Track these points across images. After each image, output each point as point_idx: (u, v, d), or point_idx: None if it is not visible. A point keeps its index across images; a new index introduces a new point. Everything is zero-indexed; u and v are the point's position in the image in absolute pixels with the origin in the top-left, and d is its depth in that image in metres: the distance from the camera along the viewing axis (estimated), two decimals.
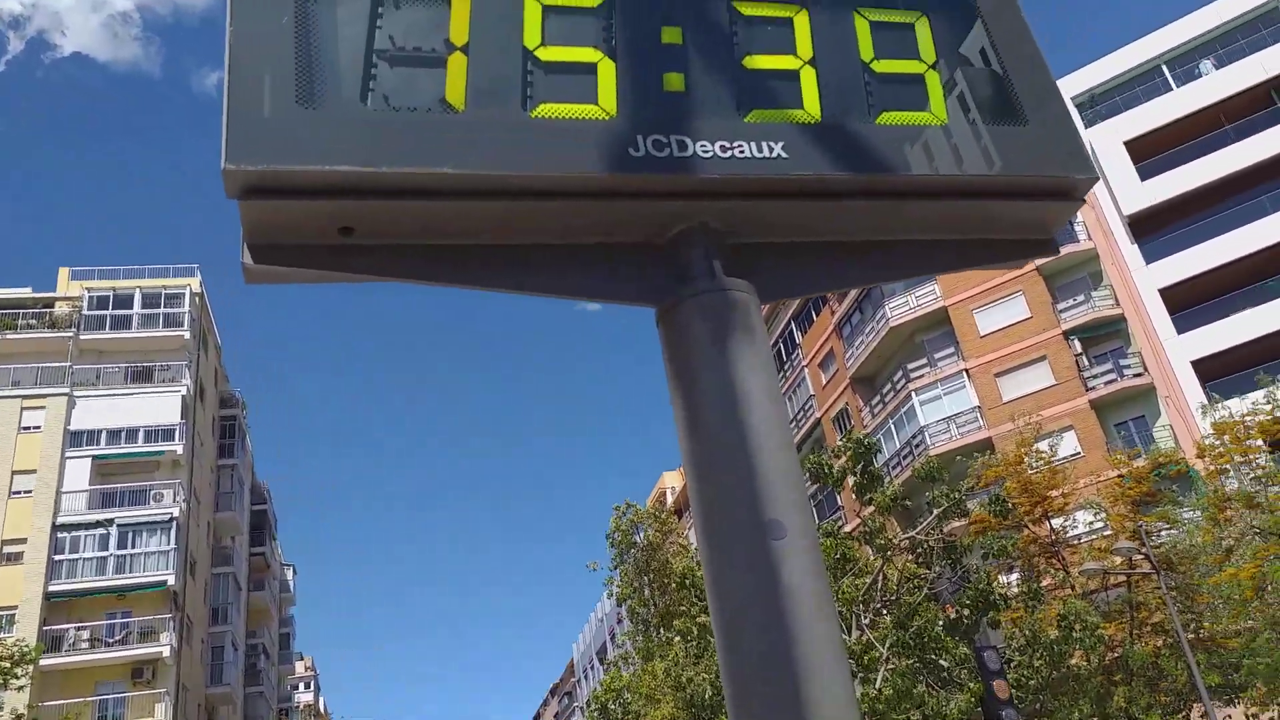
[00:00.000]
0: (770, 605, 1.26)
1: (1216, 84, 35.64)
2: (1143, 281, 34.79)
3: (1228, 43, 36.34)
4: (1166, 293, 34.16)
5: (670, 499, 61.04)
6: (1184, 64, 37.06)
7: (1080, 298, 36.44)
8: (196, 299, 43.99)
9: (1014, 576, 26.13)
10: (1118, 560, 23.59)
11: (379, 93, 1.45)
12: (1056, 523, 27.29)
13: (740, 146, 1.51)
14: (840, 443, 22.45)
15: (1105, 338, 35.62)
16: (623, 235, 1.55)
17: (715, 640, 1.33)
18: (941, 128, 1.63)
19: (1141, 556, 22.70)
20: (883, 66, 1.67)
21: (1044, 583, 25.25)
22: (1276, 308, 32.32)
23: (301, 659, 79.81)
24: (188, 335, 42.47)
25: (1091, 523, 27.81)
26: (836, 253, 1.66)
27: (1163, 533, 25.62)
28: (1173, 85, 36.84)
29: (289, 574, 65.01)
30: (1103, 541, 25.87)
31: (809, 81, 1.61)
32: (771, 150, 1.52)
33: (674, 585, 27.16)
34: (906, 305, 39.13)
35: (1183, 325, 33.59)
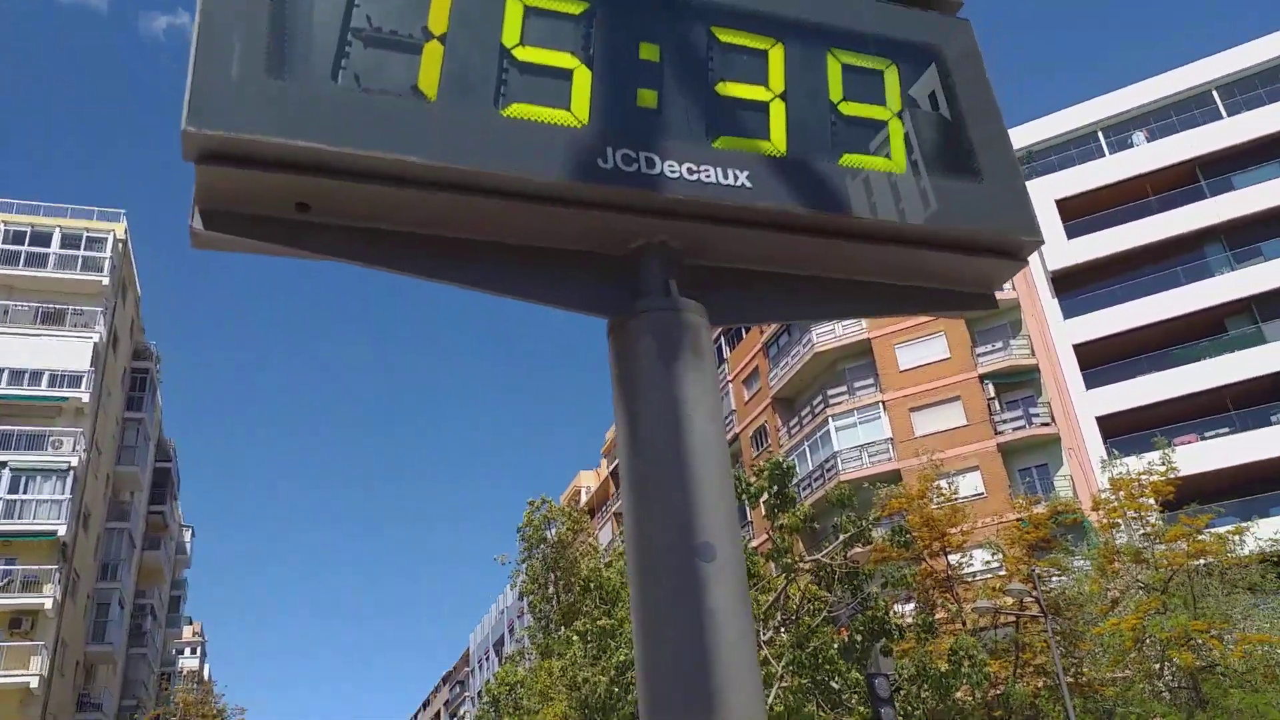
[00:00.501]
0: (693, 625, 1.28)
1: (1147, 155, 37.16)
2: (1059, 335, 36.01)
3: (1161, 118, 37.92)
4: (1080, 349, 35.43)
5: (585, 498, 60.98)
6: (1119, 133, 38.54)
7: (999, 344, 37.56)
8: (120, 245, 42.42)
9: (910, 607, 26.76)
10: (1009, 600, 24.31)
11: (350, 72, 1.43)
12: (954, 558, 28.04)
13: (706, 170, 1.53)
14: (759, 462, 22.72)
15: (1018, 385, 36.78)
16: (582, 244, 1.56)
17: (635, 653, 1.34)
18: (899, 175, 1.67)
19: (1031, 599, 23.45)
20: (850, 109, 1.70)
21: (937, 615, 25.92)
22: (1179, 375, 33.78)
23: (191, 624, 77.37)
24: (106, 281, 40.90)
25: (988, 561, 28.64)
26: (788, 285, 1.69)
27: (1054, 578, 26.51)
28: (1106, 151, 38.29)
29: (187, 536, 63.05)
30: (997, 581, 26.64)
31: (778, 115, 1.64)
32: (736, 178, 1.54)
33: (579, 587, 27.13)
34: (832, 333, 39.85)
35: (1092, 381, 34.87)
